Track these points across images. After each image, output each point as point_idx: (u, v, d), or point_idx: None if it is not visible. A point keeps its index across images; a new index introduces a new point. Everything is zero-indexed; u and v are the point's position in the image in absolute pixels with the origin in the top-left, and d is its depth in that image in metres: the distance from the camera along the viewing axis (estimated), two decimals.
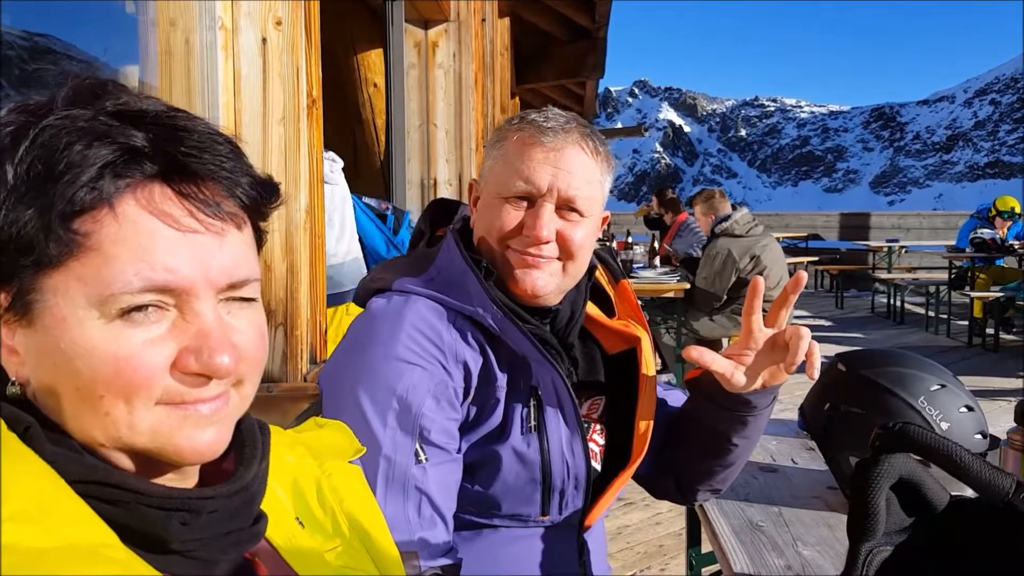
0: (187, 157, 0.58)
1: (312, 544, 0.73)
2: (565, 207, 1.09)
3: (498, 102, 7.24)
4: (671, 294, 5.13)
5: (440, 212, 1.27)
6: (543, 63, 9.97)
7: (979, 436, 1.39)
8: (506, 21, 7.52)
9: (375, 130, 4.94)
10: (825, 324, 9.22)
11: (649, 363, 1.22)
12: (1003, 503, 0.79)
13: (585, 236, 1.11)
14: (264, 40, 1.61)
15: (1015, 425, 1.27)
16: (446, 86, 4.70)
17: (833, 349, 5.44)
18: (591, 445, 1.18)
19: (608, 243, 6.25)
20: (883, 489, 0.87)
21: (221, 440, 0.61)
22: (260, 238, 0.67)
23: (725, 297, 4.90)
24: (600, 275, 1.27)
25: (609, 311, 1.26)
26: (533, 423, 1.07)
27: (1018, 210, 8.30)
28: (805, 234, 12.75)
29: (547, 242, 1.08)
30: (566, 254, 1.10)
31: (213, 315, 0.59)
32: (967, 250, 8.30)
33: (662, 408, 1.30)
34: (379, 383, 1.01)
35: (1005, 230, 8.20)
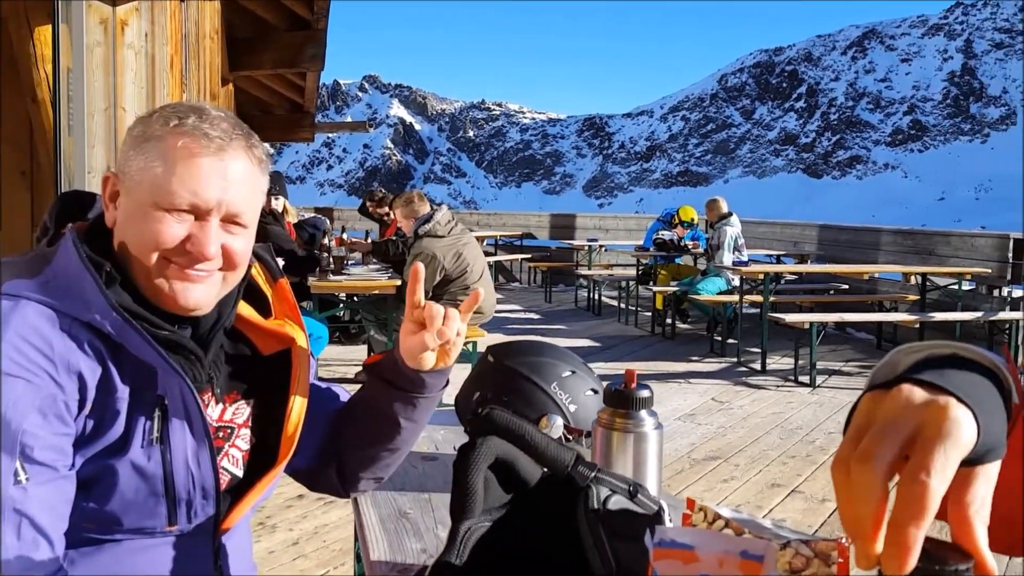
0: None
1: None
2: (230, 220, 1.08)
3: (207, 88, 6.84)
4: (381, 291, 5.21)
5: (71, 206, 1.18)
6: (260, 51, 9.55)
7: None
8: (216, 4, 7.11)
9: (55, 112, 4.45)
10: (535, 317, 9.87)
11: (303, 364, 1.23)
12: (565, 475, 0.91)
13: (246, 245, 1.11)
14: None
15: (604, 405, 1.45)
16: (137, 68, 4.36)
17: (542, 340, 5.88)
18: (233, 451, 1.16)
19: (323, 236, 6.18)
20: (480, 470, 0.97)
21: None
22: None
23: (432, 294, 5.07)
24: (257, 274, 1.25)
25: (267, 311, 1.26)
26: (156, 435, 1.04)
27: (696, 220, 9.48)
28: (520, 233, 13.52)
29: (213, 259, 1.06)
30: (228, 265, 1.09)
31: None
32: (651, 249, 9.35)
33: (327, 403, 1.32)
34: None
35: (684, 233, 9.34)
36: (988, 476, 0.57)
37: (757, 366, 6.95)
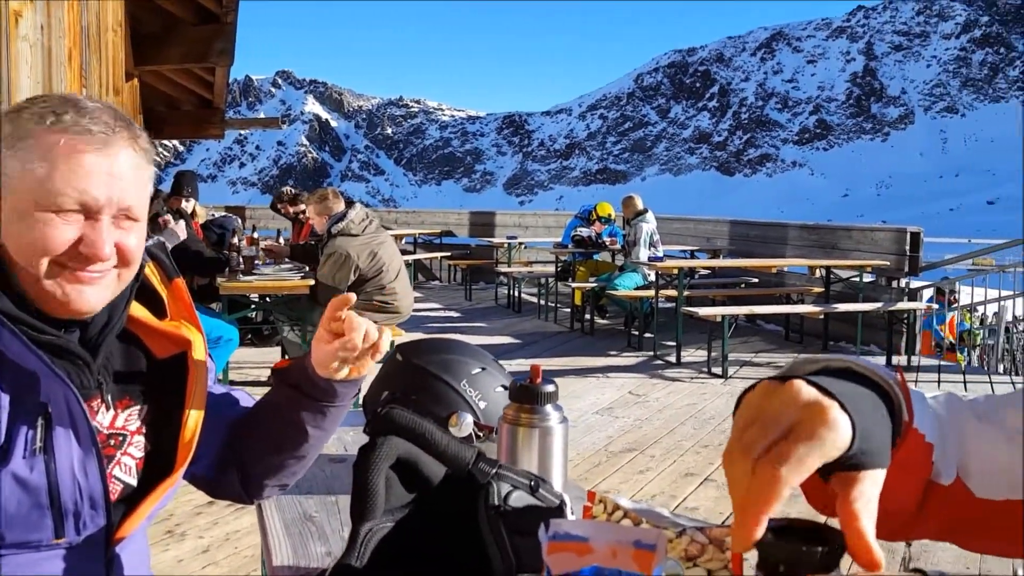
0: None
1: None
2: (122, 216, 1.04)
3: (109, 83, 6.57)
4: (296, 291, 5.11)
5: None
6: (167, 45, 9.22)
7: None
8: None
9: None
10: (455, 315, 9.85)
11: (200, 367, 1.19)
12: (466, 472, 0.91)
13: (140, 240, 1.08)
14: None
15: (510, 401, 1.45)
16: (32, 62, 4.16)
17: (462, 339, 5.87)
18: (126, 459, 1.12)
19: (233, 235, 6.02)
20: (381, 471, 0.96)
21: None
22: None
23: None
24: (151, 273, 1.21)
25: (162, 312, 1.21)
26: (39, 444, 0.99)
27: (614, 216, 9.62)
28: (439, 231, 13.46)
29: (109, 258, 1.02)
30: (123, 262, 1.05)
31: None
32: (569, 246, 9.46)
33: (226, 408, 1.28)
34: None
35: (601, 229, 9.47)
36: (875, 479, 0.61)
37: (672, 359, 7.10)
